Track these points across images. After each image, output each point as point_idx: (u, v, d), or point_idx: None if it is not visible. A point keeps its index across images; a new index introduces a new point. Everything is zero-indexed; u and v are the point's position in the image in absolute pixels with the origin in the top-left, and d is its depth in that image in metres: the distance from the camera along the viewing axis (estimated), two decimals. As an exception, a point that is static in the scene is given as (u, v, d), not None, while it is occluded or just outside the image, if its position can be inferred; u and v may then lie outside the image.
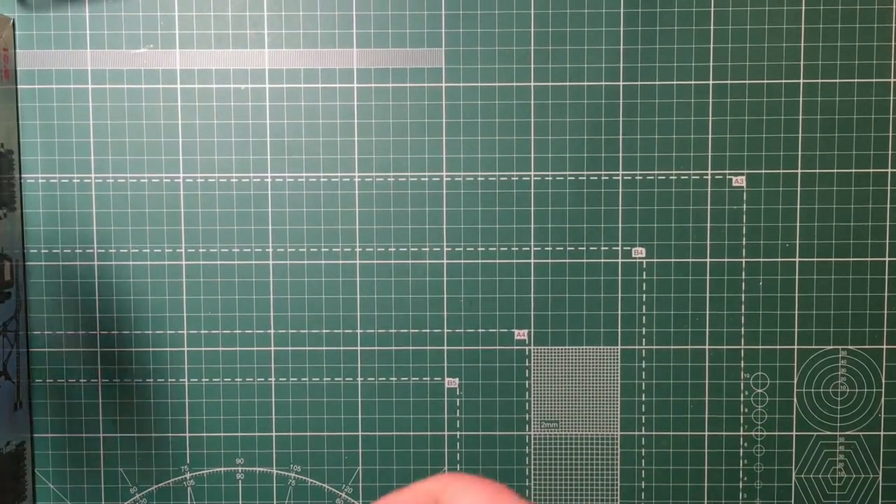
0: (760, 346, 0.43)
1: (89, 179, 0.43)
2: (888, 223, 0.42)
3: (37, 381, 0.43)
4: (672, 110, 0.42)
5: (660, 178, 0.42)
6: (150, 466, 0.43)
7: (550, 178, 0.43)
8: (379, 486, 0.43)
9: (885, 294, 0.43)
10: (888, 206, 0.42)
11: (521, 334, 0.43)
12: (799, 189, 0.42)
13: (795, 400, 0.43)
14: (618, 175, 0.42)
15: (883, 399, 0.43)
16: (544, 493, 0.43)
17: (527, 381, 0.43)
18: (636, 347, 0.43)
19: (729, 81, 0.42)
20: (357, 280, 0.43)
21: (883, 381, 0.43)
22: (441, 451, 0.43)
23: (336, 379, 0.43)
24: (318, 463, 0.43)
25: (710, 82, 0.42)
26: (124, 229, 0.43)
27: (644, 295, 0.43)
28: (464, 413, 0.43)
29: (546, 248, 0.43)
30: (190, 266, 0.43)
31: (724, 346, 0.43)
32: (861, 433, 0.43)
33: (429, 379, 0.43)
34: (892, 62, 0.42)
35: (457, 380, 0.43)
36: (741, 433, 0.43)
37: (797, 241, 0.43)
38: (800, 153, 0.42)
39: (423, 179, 0.43)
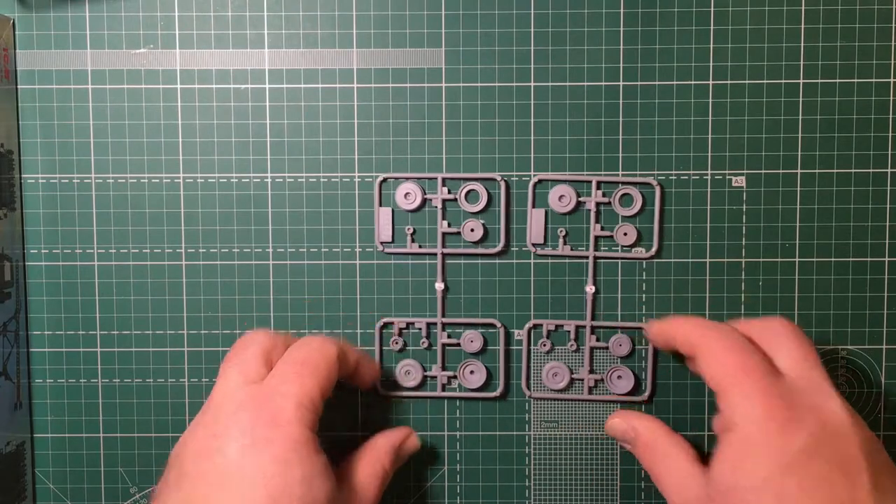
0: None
1: (89, 179, 0.43)
2: (888, 223, 0.42)
3: (37, 381, 0.43)
4: (672, 110, 0.42)
5: (659, 178, 0.42)
6: (150, 466, 0.44)
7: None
8: (379, 486, 0.43)
9: (885, 294, 0.43)
10: (888, 206, 0.42)
11: (519, 334, 0.43)
12: (799, 189, 0.42)
13: (795, 400, 0.43)
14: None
15: (883, 399, 0.43)
16: (544, 493, 0.43)
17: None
18: (636, 348, 0.43)
19: (729, 81, 0.42)
20: (357, 280, 0.43)
21: (883, 381, 0.43)
22: (441, 451, 0.43)
23: (336, 379, 0.43)
24: (318, 463, 0.43)
25: (710, 82, 0.42)
26: (124, 229, 0.43)
27: (644, 295, 0.43)
28: (463, 413, 0.43)
29: (546, 249, 0.43)
30: (190, 266, 0.43)
31: (724, 346, 0.43)
32: (861, 433, 0.43)
33: (428, 379, 0.43)
34: (892, 62, 0.42)
35: (457, 379, 0.43)
36: (741, 433, 0.43)
37: (797, 241, 0.43)
38: (799, 153, 0.42)
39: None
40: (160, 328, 0.43)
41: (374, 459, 0.39)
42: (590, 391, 0.43)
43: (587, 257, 0.42)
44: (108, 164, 0.43)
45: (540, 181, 0.42)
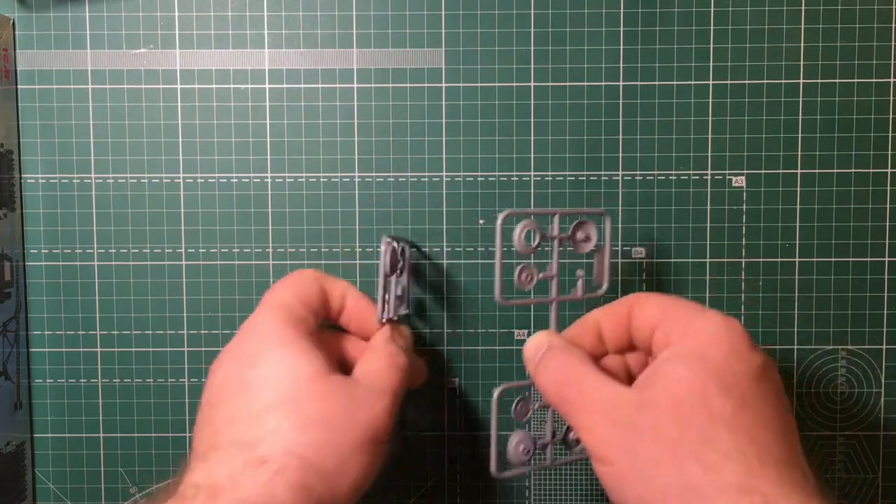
0: (760, 347, 0.43)
1: (89, 179, 0.43)
2: (888, 223, 0.42)
3: (37, 381, 0.43)
4: (672, 110, 0.42)
5: (660, 178, 0.42)
6: (150, 466, 0.44)
7: (550, 178, 0.43)
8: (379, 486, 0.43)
9: (885, 294, 0.43)
10: (888, 206, 0.42)
11: (521, 334, 0.43)
12: (799, 189, 0.42)
13: (795, 400, 0.43)
14: (618, 175, 0.42)
15: (883, 399, 0.43)
16: (544, 493, 0.43)
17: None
18: (636, 347, 0.43)
19: (729, 81, 0.42)
20: (357, 280, 0.43)
21: (883, 381, 0.43)
22: (441, 451, 0.43)
23: (336, 379, 0.43)
24: (318, 463, 0.43)
25: (710, 82, 0.42)
26: (124, 229, 0.43)
27: (644, 295, 0.43)
28: (464, 413, 0.43)
29: (546, 249, 0.43)
30: (190, 266, 0.43)
31: (724, 346, 0.43)
32: (861, 433, 0.43)
33: (429, 379, 0.43)
34: (892, 62, 0.42)
35: (457, 380, 0.43)
36: (741, 433, 0.43)
37: (797, 241, 0.43)
38: (799, 153, 0.42)
39: (423, 179, 0.43)
40: (160, 328, 0.43)
41: (377, 354, 0.36)
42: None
43: (552, 301, 0.38)
44: (108, 164, 0.43)
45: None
